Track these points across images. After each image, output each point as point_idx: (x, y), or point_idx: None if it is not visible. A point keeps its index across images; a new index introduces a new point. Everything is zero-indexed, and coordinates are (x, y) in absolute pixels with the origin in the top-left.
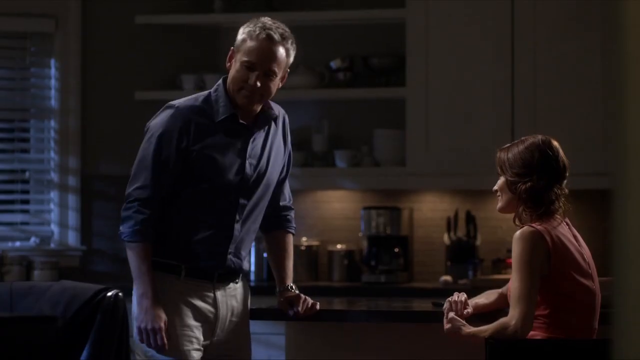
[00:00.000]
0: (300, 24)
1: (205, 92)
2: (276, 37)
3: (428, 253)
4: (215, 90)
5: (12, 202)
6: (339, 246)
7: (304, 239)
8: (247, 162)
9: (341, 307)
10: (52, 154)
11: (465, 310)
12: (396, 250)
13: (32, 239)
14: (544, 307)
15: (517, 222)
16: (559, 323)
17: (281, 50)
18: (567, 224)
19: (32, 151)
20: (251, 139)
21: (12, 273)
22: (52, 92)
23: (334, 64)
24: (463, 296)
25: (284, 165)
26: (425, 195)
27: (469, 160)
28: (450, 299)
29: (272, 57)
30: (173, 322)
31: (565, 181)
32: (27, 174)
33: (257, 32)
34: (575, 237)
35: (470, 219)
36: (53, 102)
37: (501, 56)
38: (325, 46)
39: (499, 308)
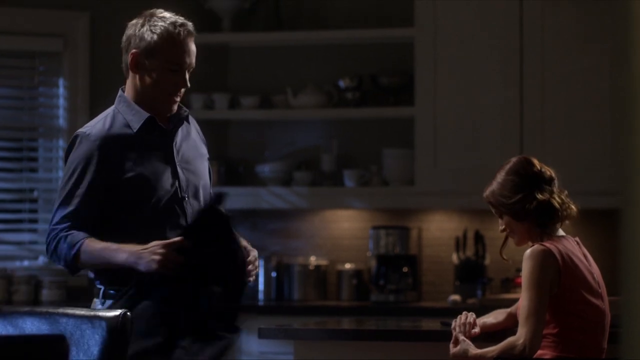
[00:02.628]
0: (309, 43)
1: (110, 110)
2: (191, 29)
3: (437, 272)
4: (119, 103)
5: (20, 221)
6: (347, 265)
7: (312, 258)
8: (178, 167)
9: (350, 326)
10: (60, 173)
11: (473, 330)
12: (405, 269)
13: (41, 258)
14: (553, 326)
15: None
16: (568, 342)
17: (193, 43)
18: (577, 243)
19: (40, 170)
20: (174, 143)
21: (20, 292)
22: (61, 112)
23: (343, 83)
24: (472, 317)
25: (209, 167)
26: (434, 214)
27: (478, 179)
28: (457, 319)
29: (192, 53)
30: None
31: (557, 183)
32: (35, 193)
33: (171, 30)
34: (585, 255)
35: (478, 238)
36: (61, 122)
37: (509, 74)
38: (334, 65)
39: (507, 327)
